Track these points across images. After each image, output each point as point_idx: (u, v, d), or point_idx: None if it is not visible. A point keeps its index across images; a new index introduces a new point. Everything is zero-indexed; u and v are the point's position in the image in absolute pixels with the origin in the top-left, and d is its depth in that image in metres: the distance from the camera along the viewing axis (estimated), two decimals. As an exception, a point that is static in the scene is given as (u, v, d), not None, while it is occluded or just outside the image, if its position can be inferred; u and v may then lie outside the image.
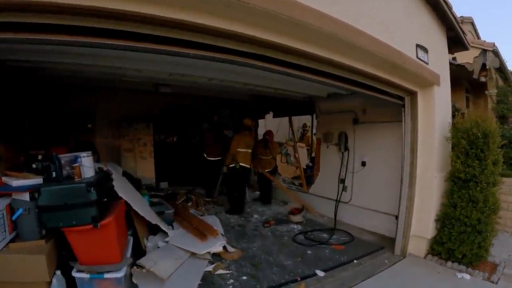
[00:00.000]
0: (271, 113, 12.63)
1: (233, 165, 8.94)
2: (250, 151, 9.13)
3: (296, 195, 9.77)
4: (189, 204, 8.73)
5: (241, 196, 9.23)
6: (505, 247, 6.72)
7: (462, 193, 5.75)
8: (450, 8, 6.36)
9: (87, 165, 4.22)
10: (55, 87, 7.99)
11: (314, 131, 12.26)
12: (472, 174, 5.60)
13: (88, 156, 4.28)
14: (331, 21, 3.75)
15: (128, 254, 4.55)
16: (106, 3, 2.60)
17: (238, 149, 8.92)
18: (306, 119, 13.96)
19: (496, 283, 5.26)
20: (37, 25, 2.72)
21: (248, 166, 9.09)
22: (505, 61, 12.83)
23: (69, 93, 8.94)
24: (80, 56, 4.83)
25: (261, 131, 13.99)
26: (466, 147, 5.68)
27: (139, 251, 5.13)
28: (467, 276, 5.44)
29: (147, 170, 11.01)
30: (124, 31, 2.97)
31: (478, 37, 15.78)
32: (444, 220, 6.03)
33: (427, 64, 5.96)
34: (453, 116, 6.69)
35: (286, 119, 12.05)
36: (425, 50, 5.93)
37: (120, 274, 4.00)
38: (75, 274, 3.92)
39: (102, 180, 4.47)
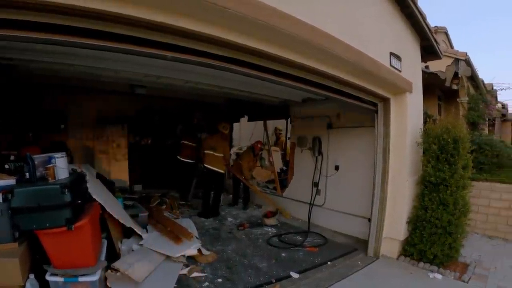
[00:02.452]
0: (246, 117, 12.65)
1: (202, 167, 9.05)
2: (218, 154, 9.05)
3: (270, 198, 9.81)
4: (164, 207, 8.67)
5: (214, 199, 9.21)
6: (475, 248, 6.98)
7: (433, 196, 5.92)
8: (424, 18, 6.51)
9: (61, 166, 4.15)
10: (28, 86, 7.86)
11: (288, 135, 12.32)
12: (443, 178, 5.77)
13: (62, 157, 4.21)
14: (306, 28, 3.80)
15: (103, 257, 4.49)
16: (86, 2, 2.57)
17: (204, 151, 9.02)
18: (281, 123, 14.02)
19: (467, 282, 5.43)
20: (9, 21, 2.65)
21: (215, 168, 9.01)
22: (476, 70, 13.19)
23: (42, 93, 8.79)
24: (56, 55, 4.74)
25: (235, 135, 14.05)
26: (436, 152, 5.85)
27: (113, 254, 5.07)
28: (439, 276, 5.60)
29: (121, 173, 10.87)
30: (102, 31, 2.94)
31: (452, 47, 16.21)
32: (415, 222, 6.19)
33: (400, 71, 6.10)
34: (425, 122, 6.84)
35: (261, 123, 12.08)
36: (398, 58, 6.05)
37: (94, 278, 3.95)
38: (49, 277, 3.85)
39: (77, 182, 4.40)
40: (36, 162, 4.02)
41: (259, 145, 10.17)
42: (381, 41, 5.68)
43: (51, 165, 4.06)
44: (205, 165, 8.98)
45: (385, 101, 6.49)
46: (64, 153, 4.35)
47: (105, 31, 2.95)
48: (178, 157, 10.38)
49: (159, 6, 2.87)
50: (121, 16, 2.77)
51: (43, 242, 3.87)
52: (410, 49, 6.84)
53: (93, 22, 2.84)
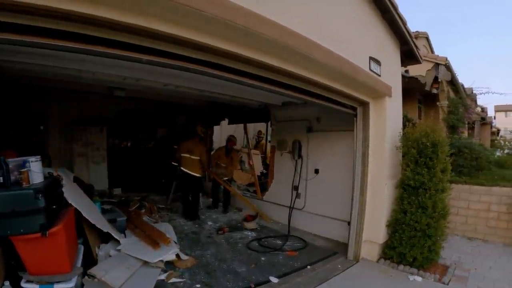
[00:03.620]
0: (227, 120, 12.63)
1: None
2: (194, 157, 9.06)
3: (249, 201, 9.84)
4: (143, 211, 8.58)
5: (192, 203, 9.22)
6: (455, 250, 7.08)
7: (412, 200, 5.96)
8: (404, 23, 6.56)
9: (35, 170, 4.06)
10: (6, 87, 7.71)
11: (269, 138, 12.33)
12: (421, 181, 5.82)
13: (37, 160, 4.12)
14: (285, 32, 3.78)
15: (79, 263, 4.42)
16: (58, 3, 2.52)
17: (181, 154, 9.06)
18: (261, 126, 14.02)
19: (447, 284, 5.47)
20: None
21: (191, 172, 9.02)
22: (456, 74, 13.37)
23: (20, 94, 8.64)
24: (33, 56, 4.68)
25: (216, 138, 14.02)
26: (415, 155, 5.90)
27: (90, 260, 5.00)
28: (419, 278, 5.64)
29: (100, 176, 10.79)
30: (77, 33, 2.88)
31: (432, 52, 16.36)
32: (395, 226, 6.23)
33: (380, 76, 6.13)
34: (405, 126, 6.89)
35: (242, 126, 12.09)
36: (378, 62, 6.08)
37: (70, 284, 3.89)
38: (24, 284, 3.77)
39: (51, 186, 4.31)
40: (10, 166, 3.93)
41: (232, 140, 10.27)
42: (360, 45, 5.69)
43: (25, 169, 3.97)
44: (182, 168, 9.02)
45: (364, 105, 6.51)
46: (39, 156, 4.25)
47: (79, 33, 2.89)
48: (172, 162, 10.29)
49: (130, 9, 2.82)
50: (93, 18, 2.71)
51: (17, 248, 3.79)
52: (390, 54, 6.89)
53: (64, 24, 2.78)
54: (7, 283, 3.73)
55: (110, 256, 5.32)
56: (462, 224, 8.31)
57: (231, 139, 10.20)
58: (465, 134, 15.17)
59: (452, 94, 14.07)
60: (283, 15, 3.84)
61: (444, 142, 5.95)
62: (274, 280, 5.44)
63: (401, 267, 6.04)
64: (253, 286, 5.19)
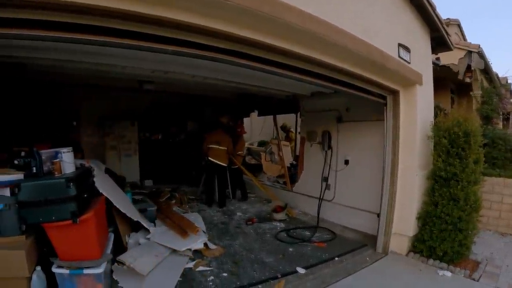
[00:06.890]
0: (256, 112, 12.66)
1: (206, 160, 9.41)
2: (222, 148, 9.36)
3: (271, 191, 10.10)
4: (173, 201, 8.71)
5: (219, 191, 9.51)
6: (487, 245, 6.84)
7: (443, 191, 5.81)
8: (434, 9, 6.40)
9: (67, 160, 4.19)
10: (40, 84, 7.93)
11: (298, 129, 12.31)
12: (453, 172, 5.67)
13: (68, 151, 4.26)
14: (312, 20, 3.75)
15: (109, 250, 4.51)
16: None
17: (208, 146, 9.33)
18: (285, 118, 13.89)
19: (478, 280, 5.31)
20: (16, 20, 2.66)
21: (218, 162, 9.31)
22: (490, 63, 12.98)
23: (54, 91, 8.89)
24: (65, 53, 4.80)
25: (246, 130, 14.14)
26: (447, 145, 5.75)
27: (120, 248, 5.12)
28: (448, 274, 5.49)
29: (131, 168, 10.99)
30: (105, 27, 2.95)
31: (465, 39, 15.94)
32: (425, 218, 6.10)
33: (409, 63, 6.00)
34: (436, 115, 6.75)
35: (271, 118, 12.09)
36: (407, 49, 5.96)
37: (99, 270, 3.96)
38: (55, 270, 3.87)
39: (83, 176, 4.44)
40: (43, 157, 4.09)
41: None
42: (388, 32, 5.59)
43: (57, 159, 4.10)
44: (209, 158, 9.29)
45: (394, 93, 6.40)
46: (70, 147, 4.38)
47: (107, 26, 2.96)
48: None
49: (157, 2, 2.87)
50: (120, 11, 2.77)
51: (49, 235, 3.92)
52: (420, 40, 6.74)
53: (93, 18, 2.84)
54: (38, 268, 3.84)
55: (139, 244, 5.44)
56: (495, 219, 8.03)
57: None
58: (500, 125, 14.74)
59: (486, 84, 13.71)
60: (311, 3, 3.81)
61: (477, 132, 5.77)
62: (301, 271, 5.43)
63: (431, 261, 5.92)
64: (279, 276, 5.19)
